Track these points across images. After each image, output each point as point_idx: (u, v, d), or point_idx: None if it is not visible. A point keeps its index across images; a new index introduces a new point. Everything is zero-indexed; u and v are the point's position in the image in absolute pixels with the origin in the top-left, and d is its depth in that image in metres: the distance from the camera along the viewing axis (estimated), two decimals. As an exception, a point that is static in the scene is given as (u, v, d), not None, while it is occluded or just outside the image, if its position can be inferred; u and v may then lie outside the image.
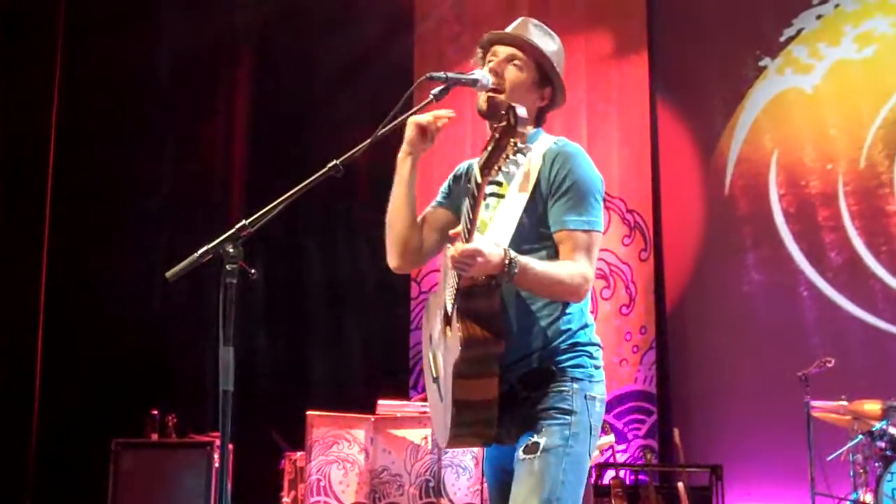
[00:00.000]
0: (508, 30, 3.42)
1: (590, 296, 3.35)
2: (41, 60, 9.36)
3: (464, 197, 3.19)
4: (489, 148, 2.92)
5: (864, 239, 8.56)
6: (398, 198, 3.45)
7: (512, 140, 2.87)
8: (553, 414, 3.15)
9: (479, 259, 2.95)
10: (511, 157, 2.89)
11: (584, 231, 3.20)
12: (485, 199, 3.05)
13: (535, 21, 3.44)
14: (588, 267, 3.17)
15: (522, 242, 3.17)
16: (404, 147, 3.42)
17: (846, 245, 8.61)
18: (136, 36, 9.54)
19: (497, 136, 2.90)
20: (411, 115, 3.30)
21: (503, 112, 2.90)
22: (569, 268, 3.14)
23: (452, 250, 2.98)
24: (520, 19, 3.45)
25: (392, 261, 3.50)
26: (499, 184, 3.28)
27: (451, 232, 3.10)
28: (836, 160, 8.71)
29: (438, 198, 3.57)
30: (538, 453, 3.10)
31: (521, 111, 2.87)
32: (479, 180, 2.95)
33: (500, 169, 2.92)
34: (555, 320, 3.22)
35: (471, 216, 3.01)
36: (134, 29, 9.56)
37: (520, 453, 3.14)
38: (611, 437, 7.18)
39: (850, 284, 8.57)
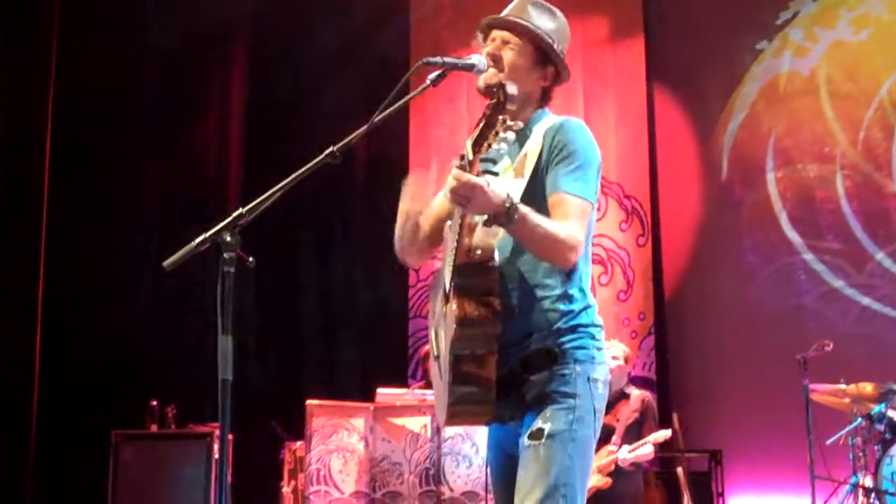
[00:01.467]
0: (506, 11, 3.38)
1: (590, 277, 3.33)
2: (37, 60, 9.36)
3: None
4: (480, 125, 2.91)
5: (862, 221, 8.56)
6: (402, 232, 3.41)
7: (501, 117, 2.86)
8: (556, 398, 3.11)
9: (480, 193, 2.89)
10: (501, 134, 2.86)
11: (580, 198, 3.15)
12: (478, 175, 3.01)
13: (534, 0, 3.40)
14: (581, 233, 3.11)
15: None
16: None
17: (844, 228, 8.61)
18: (130, 33, 9.54)
19: (488, 113, 2.89)
20: (409, 98, 3.25)
21: (494, 90, 2.91)
22: (565, 228, 3.08)
23: (452, 178, 2.91)
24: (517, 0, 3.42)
25: (400, 251, 3.46)
26: (493, 161, 3.24)
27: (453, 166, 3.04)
28: (834, 143, 8.70)
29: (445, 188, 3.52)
30: (543, 439, 3.07)
31: (511, 89, 2.88)
32: (471, 157, 2.91)
33: (490, 146, 2.88)
34: (556, 301, 3.17)
35: None
36: (128, 27, 9.57)
37: (524, 440, 3.10)
38: (667, 432, 7.16)
39: (847, 268, 8.56)
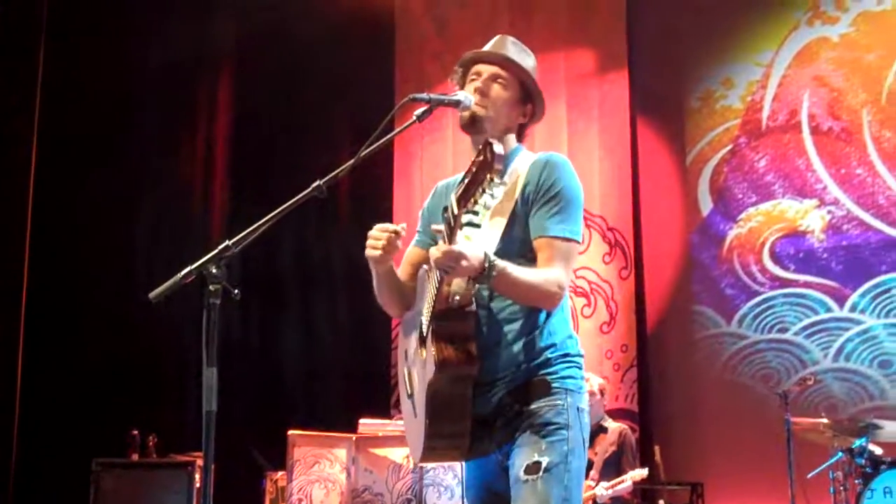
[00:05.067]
0: (487, 47, 3.43)
1: (569, 308, 3.37)
2: (23, 69, 9.34)
3: (441, 221, 3.18)
4: (466, 181, 2.94)
5: (843, 256, 8.61)
6: (379, 294, 3.48)
7: (488, 175, 2.90)
8: (550, 430, 3.15)
9: (463, 262, 2.96)
10: (487, 190, 2.91)
11: (565, 239, 3.22)
12: (461, 228, 3.05)
13: (512, 38, 3.45)
14: (563, 276, 3.19)
15: (508, 253, 3.17)
16: (372, 267, 3.36)
17: (825, 262, 8.66)
18: (118, 47, 9.53)
19: (474, 170, 2.92)
20: (395, 133, 3.28)
21: (480, 147, 2.92)
22: (544, 275, 3.15)
23: (435, 251, 2.98)
24: (497, 37, 3.46)
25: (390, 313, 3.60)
26: (475, 213, 3.28)
27: (434, 228, 3.09)
28: (816, 178, 8.77)
29: (417, 235, 3.58)
30: (540, 473, 3.10)
31: (498, 148, 2.90)
32: (456, 211, 2.96)
33: (476, 201, 2.94)
34: (545, 331, 3.22)
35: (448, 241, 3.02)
36: (116, 41, 9.55)
37: (520, 474, 3.12)
38: (644, 471, 7.19)
39: (829, 302, 8.61)
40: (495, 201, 3.12)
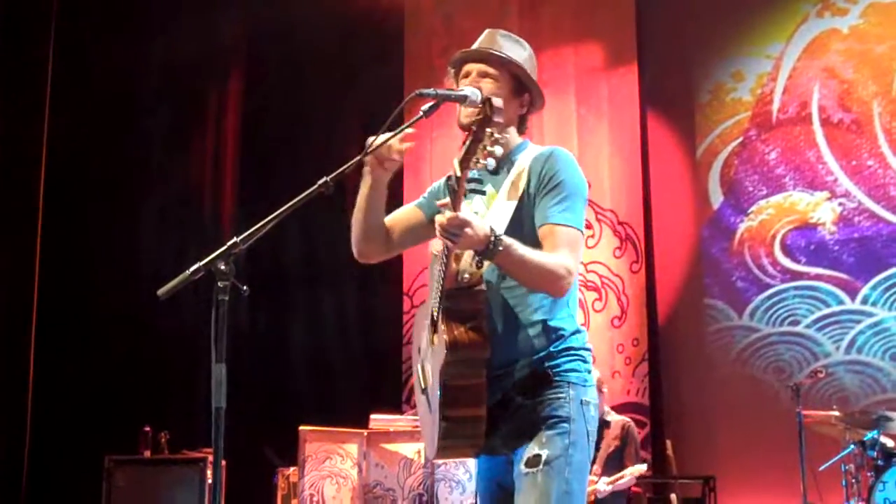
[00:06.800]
0: (477, 44, 3.42)
1: (577, 303, 3.36)
2: (33, 67, 9.36)
3: (445, 194, 3.16)
4: (467, 142, 2.92)
5: (854, 248, 8.59)
6: (356, 211, 3.50)
7: (489, 130, 2.88)
8: (551, 423, 3.13)
9: (468, 230, 2.92)
10: (489, 148, 2.88)
11: (569, 227, 3.17)
12: (466, 194, 3.02)
13: (503, 31, 3.44)
14: (572, 262, 3.13)
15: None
16: (365, 169, 3.38)
17: (836, 255, 8.65)
18: (127, 45, 9.55)
19: (475, 128, 2.90)
20: (402, 129, 3.28)
21: (480, 104, 2.92)
22: (554, 258, 3.10)
23: (441, 217, 2.94)
24: (486, 32, 3.45)
25: (354, 249, 3.57)
26: (479, 181, 3.29)
27: (439, 203, 3.06)
28: (826, 170, 8.75)
29: (420, 198, 3.56)
30: (541, 466, 3.08)
31: (498, 102, 2.90)
32: (459, 174, 2.93)
33: (478, 161, 2.90)
34: (546, 325, 3.20)
35: (453, 209, 2.98)
36: (125, 39, 9.58)
37: (521, 467, 3.11)
38: (643, 467, 7.18)
39: (840, 294, 8.59)
40: (495, 179, 3.08)
